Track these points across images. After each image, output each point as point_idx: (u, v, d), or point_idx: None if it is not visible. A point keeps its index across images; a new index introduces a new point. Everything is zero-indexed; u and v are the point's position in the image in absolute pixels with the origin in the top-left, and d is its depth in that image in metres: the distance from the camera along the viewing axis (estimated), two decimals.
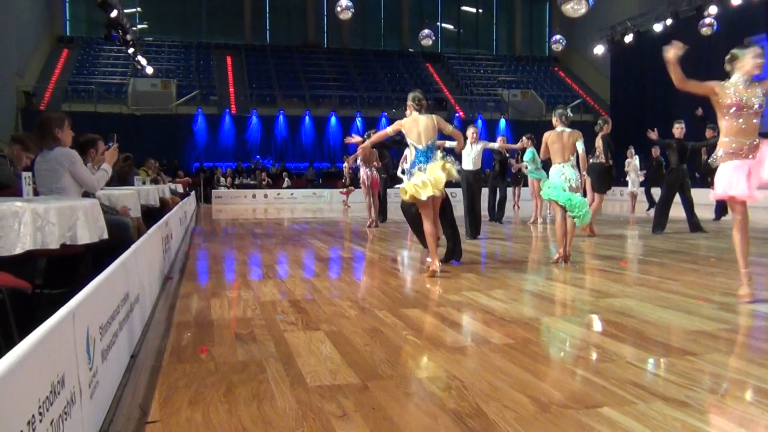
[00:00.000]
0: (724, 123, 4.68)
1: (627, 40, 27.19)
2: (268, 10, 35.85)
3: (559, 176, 6.90)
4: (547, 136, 7.08)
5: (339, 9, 17.19)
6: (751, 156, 4.57)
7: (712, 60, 23.58)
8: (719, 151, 4.70)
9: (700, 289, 5.27)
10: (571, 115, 7.25)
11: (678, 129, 10.01)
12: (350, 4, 17.28)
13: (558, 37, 22.62)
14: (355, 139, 9.02)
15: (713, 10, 21.96)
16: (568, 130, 7.07)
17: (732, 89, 4.64)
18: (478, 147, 9.75)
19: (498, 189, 12.55)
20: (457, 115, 30.32)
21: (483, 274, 6.39)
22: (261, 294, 5.32)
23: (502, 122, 30.11)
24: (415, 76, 34.30)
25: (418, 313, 4.53)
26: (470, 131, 9.80)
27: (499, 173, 12.51)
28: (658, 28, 25.06)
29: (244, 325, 4.20)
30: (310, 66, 33.24)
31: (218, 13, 34.93)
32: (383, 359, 3.41)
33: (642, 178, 16.22)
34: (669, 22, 24.57)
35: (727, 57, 4.77)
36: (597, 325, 4.21)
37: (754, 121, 4.62)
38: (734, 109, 4.61)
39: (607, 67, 30.83)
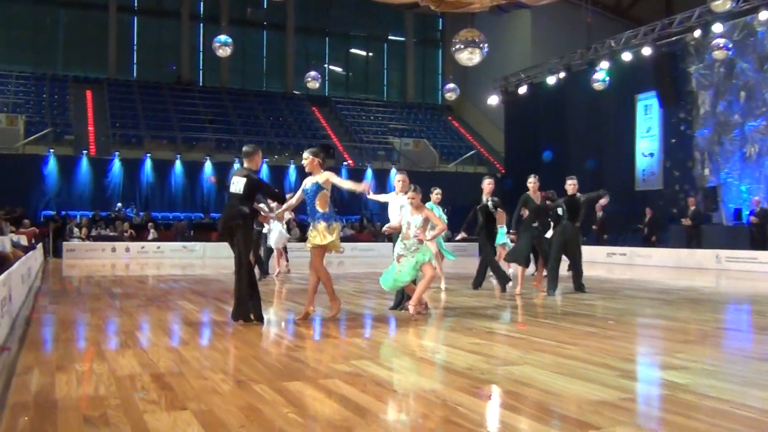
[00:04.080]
0: None
1: (521, 91, 28.76)
2: (135, 43, 35.10)
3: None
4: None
5: (216, 45, 17.06)
6: None
7: (602, 113, 25.52)
8: None
9: (600, 354, 5.46)
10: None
11: (571, 186, 10.40)
12: (229, 40, 17.20)
13: (451, 85, 23.52)
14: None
15: (605, 65, 23.72)
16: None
17: None
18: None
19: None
20: (345, 163, 30.62)
21: (374, 340, 6.33)
22: (118, 367, 4.99)
23: (393, 172, 30.74)
24: (300, 120, 34.48)
25: (302, 386, 4.39)
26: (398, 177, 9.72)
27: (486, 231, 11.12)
28: (551, 80, 26.72)
29: (95, 406, 3.90)
30: (182, 105, 32.66)
31: (78, 43, 33.81)
32: None
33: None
34: (562, 75, 26.26)
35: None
36: (495, 396, 4.23)
37: None
38: None
39: (501, 117, 32.37)
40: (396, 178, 8.80)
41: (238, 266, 7.18)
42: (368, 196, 9.18)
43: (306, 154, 7.47)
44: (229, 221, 7.19)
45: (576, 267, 10.65)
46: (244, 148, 7.52)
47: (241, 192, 7.14)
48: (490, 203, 10.63)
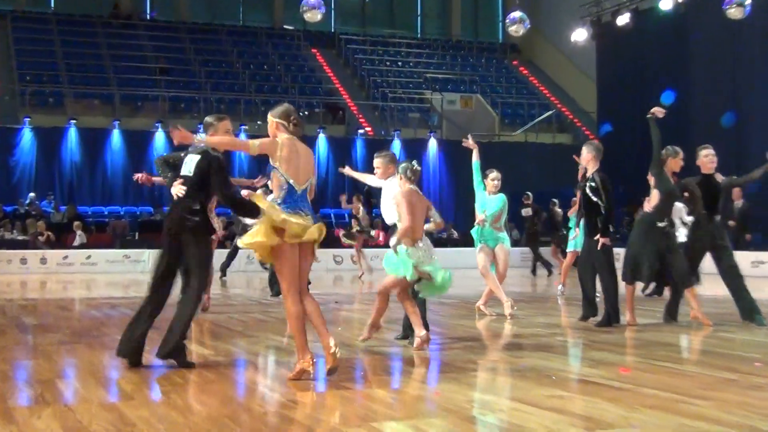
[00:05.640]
0: None
1: (620, 22, 28.53)
2: None
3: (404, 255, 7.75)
4: (408, 195, 7.79)
5: None
6: None
7: (741, 51, 25.22)
8: None
9: (741, 412, 5.41)
10: (419, 169, 8.15)
11: (709, 159, 9.94)
12: None
13: (517, 14, 23.39)
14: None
15: None
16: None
17: None
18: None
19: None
20: (361, 132, 30.60)
21: (405, 392, 6.33)
22: None
23: (432, 144, 30.59)
24: (294, 69, 34.53)
25: None
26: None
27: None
28: (665, 5, 26.43)
29: None
30: (122, 49, 32.85)
31: None
32: None
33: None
34: None
35: None
36: None
37: None
38: None
39: (592, 61, 32.11)
40: (375, 164, 8.83)
41: (184, 287, 7.40)
42: (341, 171, 9.68)
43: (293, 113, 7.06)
44: (174, 222, 7.17)
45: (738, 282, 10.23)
46: (206, 119, 7.50)
47: (191, 175, 7.13)
48: (587, 184, 9.92)
